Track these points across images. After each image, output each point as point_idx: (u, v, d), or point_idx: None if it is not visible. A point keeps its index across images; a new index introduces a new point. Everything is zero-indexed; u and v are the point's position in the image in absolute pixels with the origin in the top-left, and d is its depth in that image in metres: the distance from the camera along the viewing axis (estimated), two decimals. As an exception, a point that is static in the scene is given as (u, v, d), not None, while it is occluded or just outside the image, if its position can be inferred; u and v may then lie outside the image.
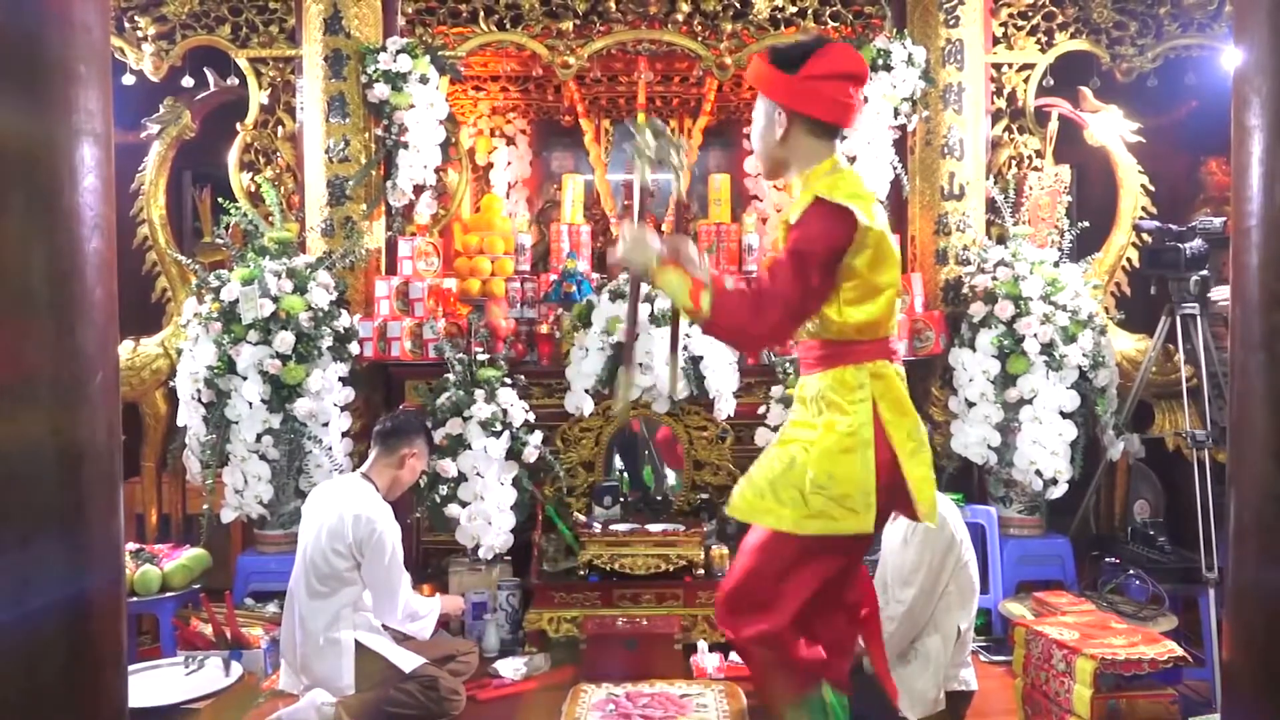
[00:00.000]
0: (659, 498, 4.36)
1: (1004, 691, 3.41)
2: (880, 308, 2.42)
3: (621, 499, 4.28)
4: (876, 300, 2.41)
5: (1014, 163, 4.90)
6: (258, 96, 4.77)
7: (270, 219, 4.49)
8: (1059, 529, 4.50)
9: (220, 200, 4.58)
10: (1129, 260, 4.79)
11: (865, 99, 2.51)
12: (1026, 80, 4.86)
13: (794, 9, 4.83)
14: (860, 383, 2.41)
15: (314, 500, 3.49)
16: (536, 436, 4.24)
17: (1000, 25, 4.83)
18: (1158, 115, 4.97)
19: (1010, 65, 4.86)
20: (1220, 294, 4.09)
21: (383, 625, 3.42)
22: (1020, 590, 4.21)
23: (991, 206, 4.74)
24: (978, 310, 4.36)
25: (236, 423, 4.10)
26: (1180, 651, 2.86)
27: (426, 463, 3.70)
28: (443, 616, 3.73)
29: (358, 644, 3.30)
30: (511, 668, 3.80)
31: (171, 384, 4.38)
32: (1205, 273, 4.09)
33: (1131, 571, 3.94)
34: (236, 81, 4.80)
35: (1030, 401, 4.23)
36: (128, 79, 4.68)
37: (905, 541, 3.23)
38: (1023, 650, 3.11)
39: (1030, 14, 4.82)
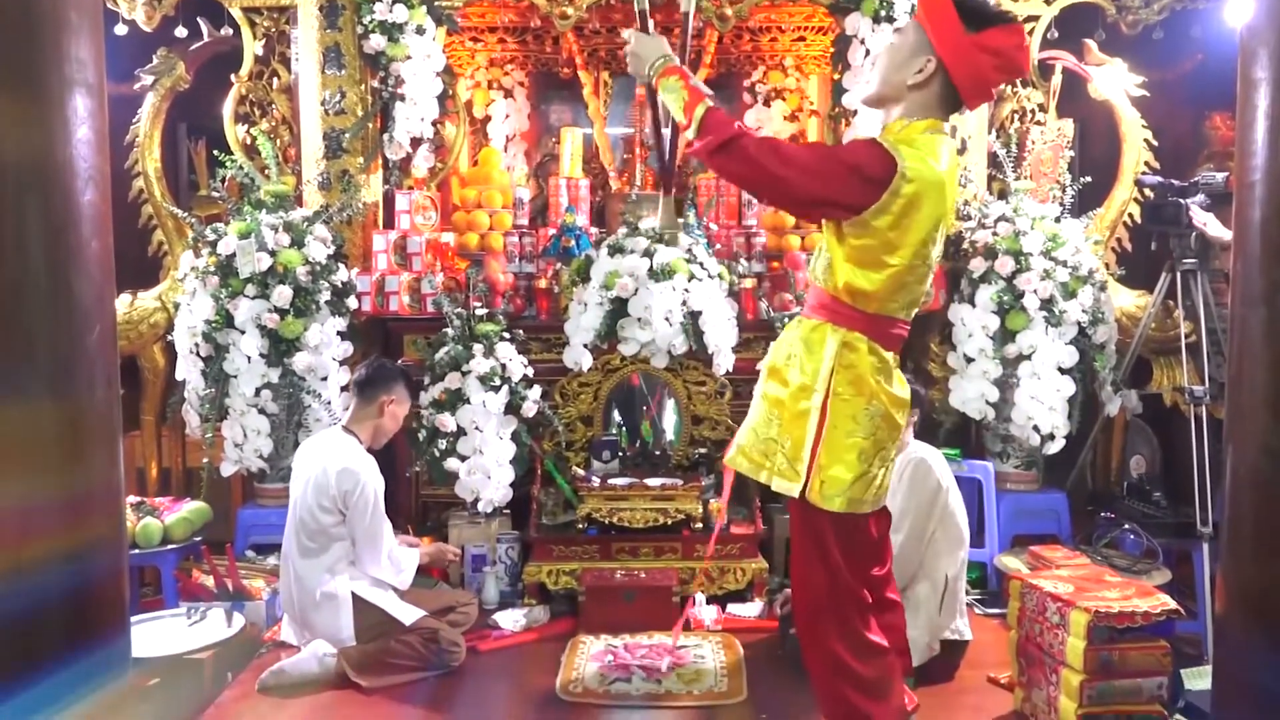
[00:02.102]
0: (657, 452, 4.37)
1: (998, 644, 3.45)
2: (878, 283, 2.31)
3: (620, 453, 4.30)
4: (879, 272, 2.30)
5: (1016, 117, 4.85)
6: (252, 47, 4.71)
7: (266, 172, 4.45)
8: (1055, 484, 4.53)
9: (216, 153, 4.54)
10: (1130, 216, 4.77)
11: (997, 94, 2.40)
12: (1030, 32, 4.79)
13: (796, -41, 4.76)
14: (824, 345, 2.35)
15: (300, 457, 3.53)
16: (535, 391, 4.25)
17: (1005, -24, 4.76)
18: (1162, 69, 4.91)
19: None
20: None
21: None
22: (1016, 544, 4.25)
23: (993, 161, 4.71)
24: (978, 266, 4.34)
25: (235, 377, 4.10)
26: (1173, 604, 2.88)
27: (408, 408, 3.68)
28: (438, 565, 3.77)
29: (358, 598, 3.34)
30: (511, 619, 3.84)
31: (169, 338, 4.37)
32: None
33: (1126, 526, 3.96)
34: (230, 32, 4.74)
35: (1029, 357, 4.23)
36: (120, 29, 4.61)
37: (893, 492, 3.25)
38: (1017, 603, 3.14)
39: (1035, -35, 4.75)
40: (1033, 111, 4.84)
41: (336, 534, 3.36)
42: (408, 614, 3.38)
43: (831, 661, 2.42)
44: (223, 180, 4.41)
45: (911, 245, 2.29)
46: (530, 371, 4.27)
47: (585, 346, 4.27)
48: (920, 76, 2.30)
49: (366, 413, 3.52)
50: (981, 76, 2.31)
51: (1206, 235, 3.99)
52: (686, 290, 4.17)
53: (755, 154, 2.24)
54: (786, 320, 4.25)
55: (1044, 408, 4.24)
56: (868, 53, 4.52)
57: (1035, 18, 4.77)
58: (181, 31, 4.66)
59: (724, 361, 4.27)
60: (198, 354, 4.13)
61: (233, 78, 4.72)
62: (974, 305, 4.34)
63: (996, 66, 2.30)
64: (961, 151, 4.64)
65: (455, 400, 4.11)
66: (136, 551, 3.75)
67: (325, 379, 4.20)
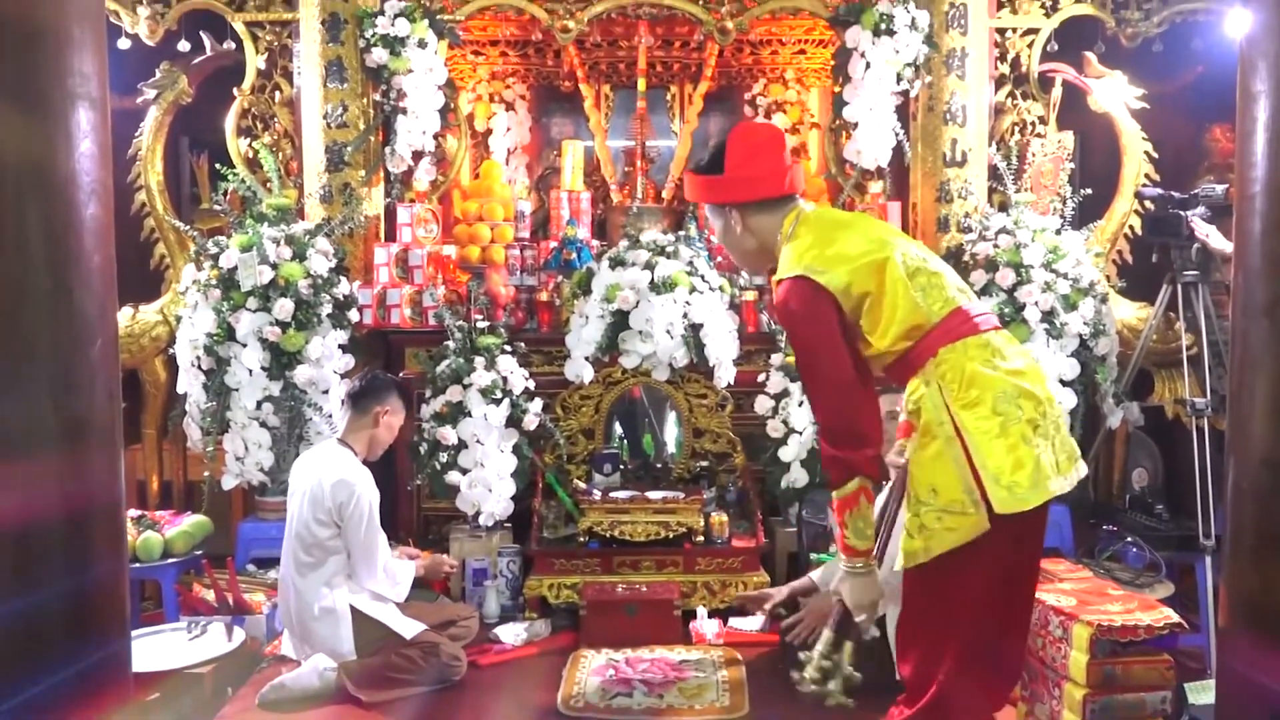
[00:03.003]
0: (659, 465, 4.37)
1: (1001, 657, 3.43)
2: (901, 319, 2.30)
3: (621, 466, 4.29)
4: (895, 315, 2.30)
5: (1017, 129, 4.87)
6: (255, 61, 4.73)
7: (268, 185, 4.46)
8: (1057, 496, 4.50)
9: (218, 166, 4.55)
10: (1131, 228, 4.78)
11: (792, 159, 2.48)
12: (1030, 45, 4.81)
13: (796, -27, 4.77)
14: (926, 381, 2.30)
15: (296, 471, 3.53)
16: (536, 404, 4.25)
17: (1004, -11, 4.78)
18: (1162, 81, 4.92)
19: (1014, 30, 4.82)
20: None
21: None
22: (1018, 557, 4.23)
23: (994, 173, 4.72)
24: (979, 278, 4.34)
25: (236, 390, 4.10)
26: (1176, 618, 2.87)
27: (403, 418, 3.63)
28: (434, 577, 3.78)
29: (357, 612, 3.33)
30: (512, 633, 3.83)
31: (171, 351, 4.38)
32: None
33: (1129, 539, 3.95)
34: (233, 46, 4.76)
35: (1030, 369, 4.23)
36: (123, 43, 4.63)
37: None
38: (1020, 616, 3.13)
39: (1035, -22, 4.78)
40: (1033, 124, 4.86)
41: (333, 547, 3.35)
42: (408, 628, 3.37)
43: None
44: (225, 193, 4.42)
45: (886, 284, 2.31)
46: (531, 384, 4.27)
47: (586, 359, 4.27)
48: (740, 226, 2.49)
49: (361, 424, 3.51)
50: (762, 179, 2.46)
51: (1209, 248, 3.98)
52: (688, 303, 4.17)
53: (849, 442, 2.29)
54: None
55: (1046, 420, 4.22)
56: (868, 66, 4.54)
57: (1035, 30, 4.80)
58: (184, 45, 4.69)
59: (725, 374, 4.27)
60: (199, 367, 4.13)
61: (235, 91, 4.74)
62: (975, 317, 4.33)
63: (760, 164, 2.46)
64: (962, 164, 4.66)
65: (456, 413, 4.10)
66: (137, 565, 3.74)
67: (326, 392, 4.20)
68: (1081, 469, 2.41)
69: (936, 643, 2.27)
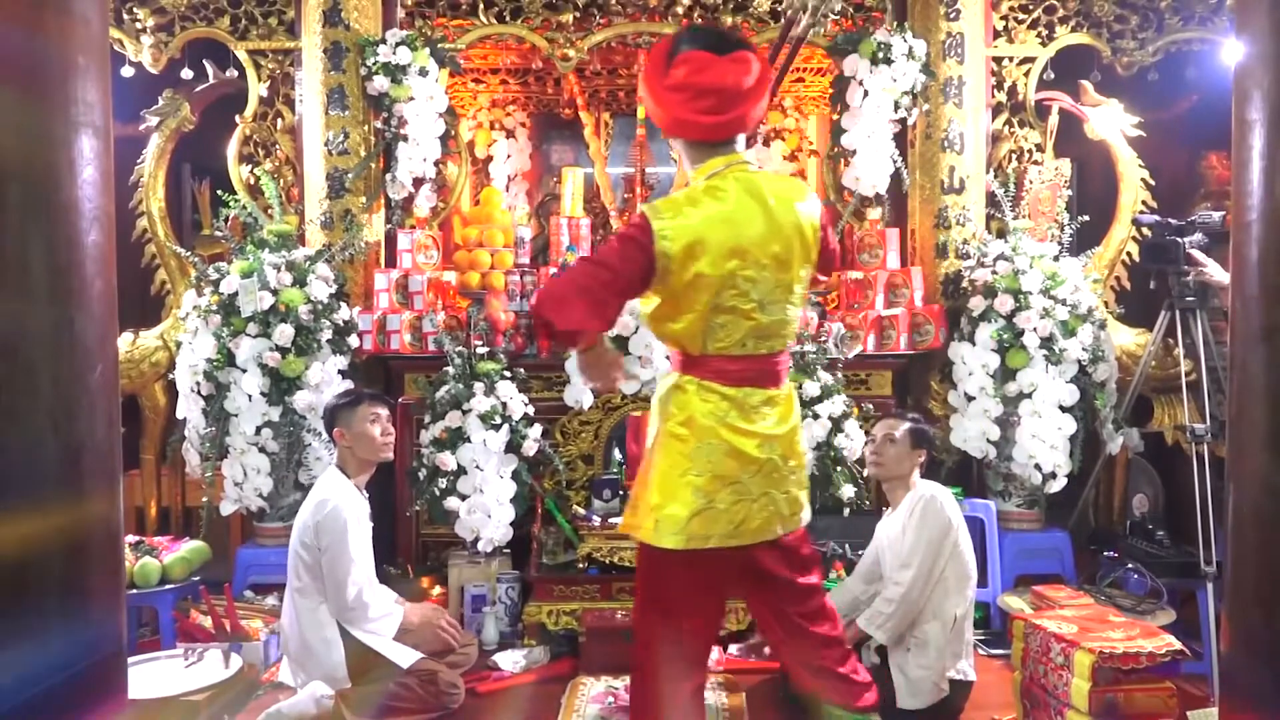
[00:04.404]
0: (658, 491, 4.35)
1: (1002, 685, 3.42)
2: (685, 325, 2.35)
3: (621, 492, 4.28)
4: (684, 316, 2.34)
5: (1014, 156, 4.89)
6: (257, 89, 4.76)
7: (269, 212, 4.48)
8: (1058, 523, 4.50)
9: (219, 193, 4.57)
10: (1129, 254, 4.80)
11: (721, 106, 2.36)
12: (1027, 74, 4.85)
13: (794, 2, 4.82)
14: (667, 390, 2.43)
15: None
16: (536, 430, 4.24)
17: (1001, 18, 4.83)
18: (1158, 109, 4.96)
19: (1011, 59, 4.86)
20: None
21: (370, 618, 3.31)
22: (1019, 584, 4.22)
23: (991, 200, 4.74)
24: (977, 304, 4.36)
25: (236, 415, 4.10)
26: (1178, 645, 2.86)
27: (368, 417, 3.38)
28: (426, 642, 3.43)
29: (352, 639, 3.28)
30: (511, 660, 3.80)
31: (171, 376, 4.38)
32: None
33: (1130, 565, 3.94)
34: (236, 74, 4.80)
35: (1029, 396, 4.23)
36: (127, 71, 4.67)
37: (903, 530, 3.24)
38: (1021, 644, 3.11)
39: (1031, 7, 4.82)
40: (1030, 151, 4.89)
41: (319, 570, 3.31)
42: (404, 657, 3.32)
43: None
44: (226, 220, 4.44)
45: (707, 286, 2.31)
46: (531, 410, 4.27)
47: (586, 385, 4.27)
48: (675, 154, 2.47)
49: (340, 449, 3.43)
50: (678, 118, 2.37)
51: (1210, 281, 3.98)
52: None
53: (552, 303, 2.30)
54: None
55: (1045, 446, 4.23)
56: (866, 94, 4.57)
57: (1032, 59, 4.83)
58: (187, 73, 4.73)
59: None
60: (199, 392, 4.14)
61: (237, 119, 4.77)
62: (974, 343, 4.35)
63: (686, 101, 2.34)
64: (960, 191, 4.68)
65: (456, 439, 4.10)
66: (134, 591, 3.72)
67: (326, 417, 4.19)
68: (798, 523, 2.50)
69: (637, 613, 2.49)
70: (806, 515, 2.53)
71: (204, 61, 4.78)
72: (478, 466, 4.10)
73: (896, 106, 4.60)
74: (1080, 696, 2.79)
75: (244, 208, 4.51)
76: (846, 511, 4.22)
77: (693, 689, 2.45)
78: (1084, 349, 4.25)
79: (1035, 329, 4.21)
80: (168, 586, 3.89)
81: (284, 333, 4.05)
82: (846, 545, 4.04)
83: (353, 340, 4.31)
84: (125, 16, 4.69)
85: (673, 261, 2.28)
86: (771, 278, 2.36)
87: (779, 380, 2.46)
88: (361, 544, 3.30)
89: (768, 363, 2.43)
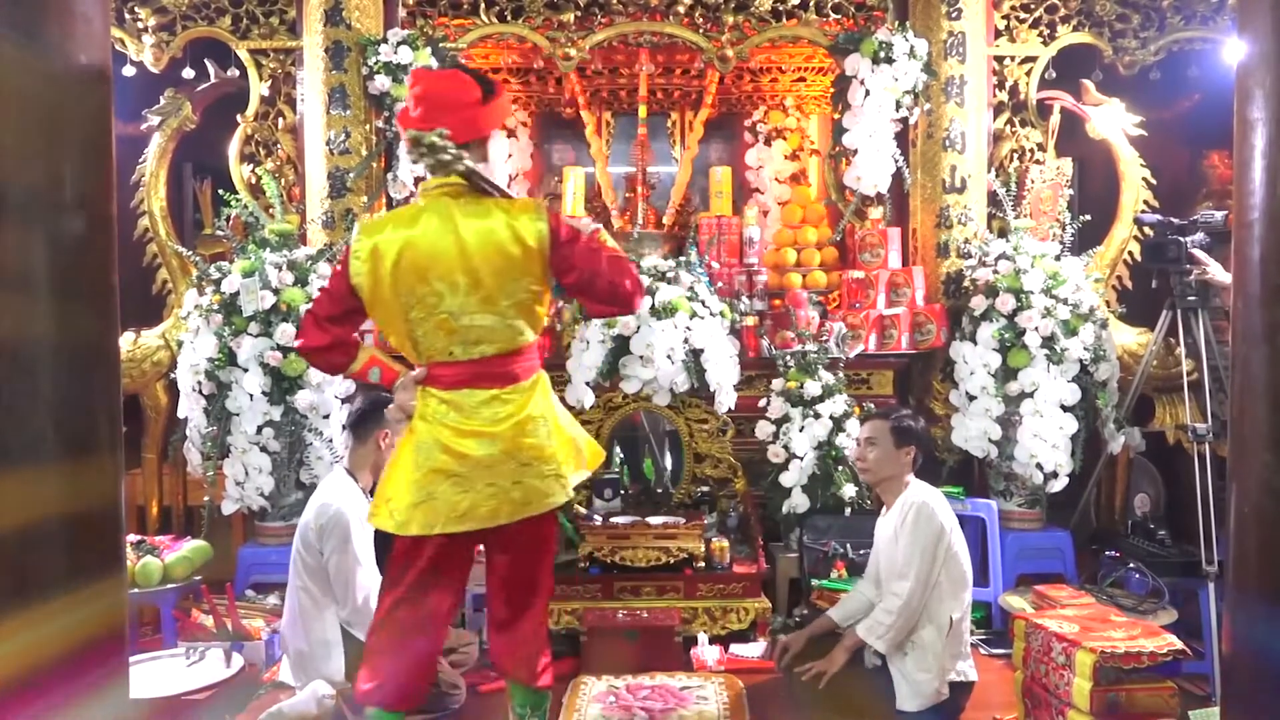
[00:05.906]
0: (659, 490, 4.36)
1: (1004, 684, 3.42)
2: (397, 339, 2.61)
3: (622, 492, 4.29)
4: (391, 330, 2.61)
5: (1015, 156, 4.89)
6: (258, 88, 4.76)
7: (271, 211, 4.48)
8: (1059, 522, 4.50)
9: (221, 192, 4.58)
10: (1130, 254, 4.79)
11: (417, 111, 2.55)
12: (1028, 73, 4.85)
13: (795, 1, 4.82)
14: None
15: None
16: (537, 429, 4.23)
17: (1002, 18, 4.82)
18: (1160, 108, 4.96)
19: (1012, 58, 4.85)
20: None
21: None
22: (1020, 583, 4.22)
23: (993, 200, 4.74)
24: (979, 304, 4.36)
25: (237, 415, 4.10)
26: (1180, 645, 2.86)
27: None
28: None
29: (353, 639, 3.29)
30: (512, 660, 3.80)
31: (172, 376, 4.38)
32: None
33: (1131, 565, 3.93)
34: (237, 73, 4.80)
35: (1031, 395, 4.23)
36: (128, 70, 4.68)
37: (895, 536, 3.21)
38: (1022, 643, 3.11)
39: (1033, 6, 4.82)
40: (1032, 150, 4.88)
41: (321, 574, 3.32)
42: (407, 654, 3.34)
43: None
44: (227, 219, 4.44)
45: (392, 303, 2.52)
46: (532, 409, 4.26)
47: (587, 384, 4.27)
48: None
49: (364, 451, 3.44)
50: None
51: (1212, 281, 3.97)
52: (688, 328, 4.18)
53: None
54: (788, 358, 4.31)
55: (1047, 445, 4.22)
56: (867, 93, 4.58)
57: (1033, 58, 4.83)
58: (189, 73, 4.73)
59: (726, 399, 4.27)
60: (200, 392, 4.14)
61: (239, 118, 4.77)
62: (975, 343, 4.35)
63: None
64: (961, 190, 4.68)
65: (457, 438, 4.09)
66: (136, 590, 3.72)
67: (327, 417, 4.20)
68: (533, 510, 2.62)
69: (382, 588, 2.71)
70: (552, 502, 2.62)
71: (205, 61, 4.78)
72: (479, 466, 4.09)
73: (898, 106, 4.60)
74: (1082, 696, 2.80)
75: (245, 207, 4.51)
76: (848, 511, 4.22)
77: (426, 643, 2.70)
78: (1085, 348, 4.25)
79: (1037, 328, 4.21)
80: (169, 586, 3.89)
81: (285, 332, 4.05)
82: (848, 545, 4.03)
83: (354, 339, 4.31)
84: (127, 16, 4.69)
85: (362, 279, 2.53)
86: (463, 292, 2.50)
87: (506, 380, 2.59)
88: (365, 547, 3.31)
89: (484, 365, 2.56)
